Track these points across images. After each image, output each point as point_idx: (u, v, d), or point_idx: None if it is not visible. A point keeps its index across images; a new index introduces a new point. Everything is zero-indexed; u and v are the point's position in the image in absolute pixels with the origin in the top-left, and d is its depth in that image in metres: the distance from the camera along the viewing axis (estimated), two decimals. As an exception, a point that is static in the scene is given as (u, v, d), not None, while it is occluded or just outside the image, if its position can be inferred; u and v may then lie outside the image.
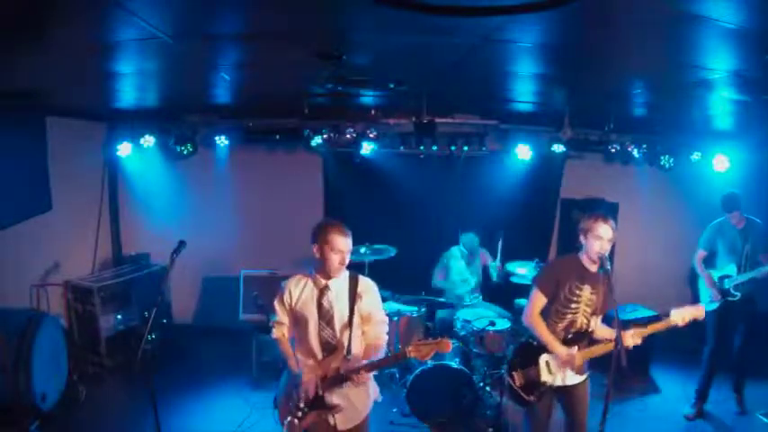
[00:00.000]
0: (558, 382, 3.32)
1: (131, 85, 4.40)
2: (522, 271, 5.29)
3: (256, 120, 5.97)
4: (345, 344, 2.90)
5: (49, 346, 4.39)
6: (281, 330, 3.05)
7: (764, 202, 6.26)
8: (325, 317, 2.91)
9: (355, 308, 2.92)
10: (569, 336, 3.30)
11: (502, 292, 5.92)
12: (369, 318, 2.99)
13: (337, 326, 2.92)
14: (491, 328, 4.89)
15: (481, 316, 5.14)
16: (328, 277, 2.90)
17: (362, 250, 5.38)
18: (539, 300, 3.32)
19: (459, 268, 5.83)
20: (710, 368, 4.75)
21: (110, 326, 5.66)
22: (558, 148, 6.05)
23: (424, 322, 5.49)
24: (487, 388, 4.90)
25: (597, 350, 3.25)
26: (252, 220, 6.67)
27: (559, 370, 3.30)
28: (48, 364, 4.33)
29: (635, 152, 6.12)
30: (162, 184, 6.63)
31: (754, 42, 2.48)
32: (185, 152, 6.05)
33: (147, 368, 3.24)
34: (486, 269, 5.93)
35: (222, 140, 6.22)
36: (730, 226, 4.79)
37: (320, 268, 2.90)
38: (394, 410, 4.75)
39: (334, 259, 2.82)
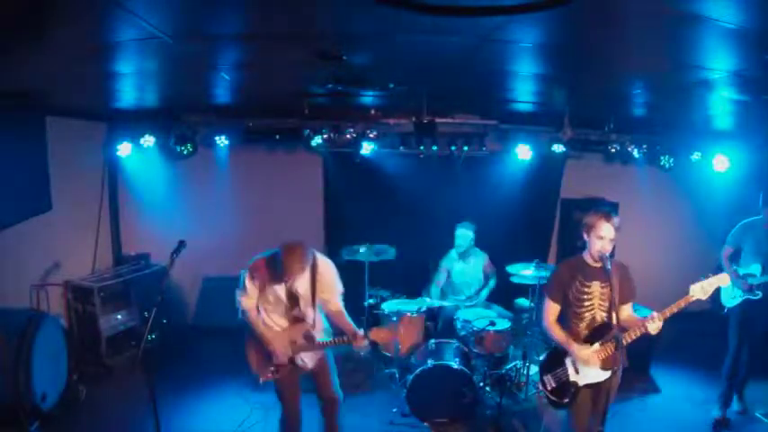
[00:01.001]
0: (587, 381, 3.33)
1: (131, 85, 4.40)
2: (525, 273, 5.28)
3: (256, 120, 5.97)
4: (310, 317, 3.55)
5: (49, 346, 4.39)
6: (251, 302, 3.53)
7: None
8: (292, 299, 3.51)
9: (316, 289, 3.52)
10: (594, 332, 3.30)
11: (502, 292, 5.92)
12: (330, 293, 3.58)
13: (302, 304, 3.53)
14: (491, 328, 4.89)
15: (481, 316, 5.15)
16: None
17: (362, 250, 5.38)
18: (551, 308, 3.39)
19: (459, 270, 5.82)
20: (732, 375, 4.65)
21: (110, 326, 5.66)
22: (558, 148, 6.06)
23: (425, 322, 5.49)
24: (487, 388, 4.90)
25: (610, 347, 3.22)
26: (252, 219, 6.67)
27: (585, 369, 3.31)
28: (48, 364, 4.33)
29: (635, 152, 6.13)
30: (162, 184, 6.63)
31: (754, 42, 2.48)
32: (185, 152, 6.05)
33: (147, 368, 3.24)
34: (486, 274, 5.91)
35: (222, 140, 6.22)
36: (761, 226, 4.61)
37: None
38: (394, 410, 4.75)
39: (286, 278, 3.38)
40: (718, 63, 3.07)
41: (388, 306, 5.45)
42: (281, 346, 3.50)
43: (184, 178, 6.61)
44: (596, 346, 3.25)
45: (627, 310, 3.37)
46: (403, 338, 5.19)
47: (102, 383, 5.27)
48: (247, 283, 3.49)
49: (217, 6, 2.33)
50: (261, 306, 3.56)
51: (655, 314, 3.13)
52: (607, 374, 3.29)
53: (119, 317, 5.77)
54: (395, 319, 5.20)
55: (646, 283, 6.29)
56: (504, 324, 5.02)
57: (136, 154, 6.23)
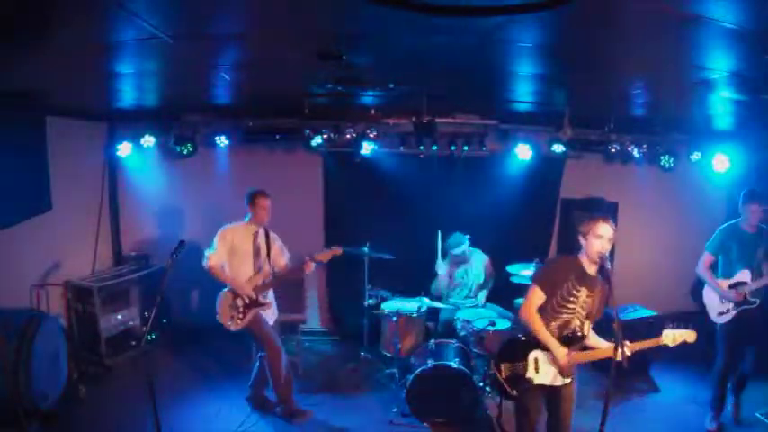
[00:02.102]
0: (542, 381, 3.34)
1: (131, 85, 4.41)
2: (525, 273, 5.28)
3: (256, 120, 5.97)
4: (268, 267, 4.62)
5: (49, 346, 4.38)
6: (219, 260, 4.43)
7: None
8: (256, 252, 4.58)
9: (271, 248, 4.64)
10: (563, 336, 3.32)
11: (502, 292, 5.92)
12: (280, 254, 4.73)
13: (262, 257, 4.60)
14: (491, 328, 4.89)
15: (481, 316, 5.15)
16: (258, 226, 4.58)
17: (363, 250, 5.38)
18: (536, 297, 3.32)
19: (460, 273, 5.81)
20: (723, 383, 4.50)
21: (110, 326, 5.66)
22: (558, 148, 6.05)
23: (425, 322, 5.49)
24: (487, 388, 4.90)
25: (588, 356, 3.31)
26: (252, 220, 6.66)
27: (546, 369, 3.33)
28: (48, 364, 4.32)
29: (635, 152, 6.12)
30: (162, 184, 6.63)
31: (754, 42, 2.48)
32: (185, 152, 6.05)
33: (147, 368, 3.24)
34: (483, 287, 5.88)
35: (222, 140, 6.22)
36: (742, 230, 4.41)
37: (253, 220, 4.54)
38: (394, 410, 4.75)
39: (262, 215, 4.53)
40: (718, 63, 3.07)
41: (388, 306, 5.45)
42: (247, 285, 4.46)
43: (184, 178, 6.61)
44: (569, 351, 3.27)
45: (589, 327, 3.37)
46: (402, 338, 5.19)
47: (102, 383, 5.27)
48: (218, 243, 4.42)
49: (217, 6, 2.33)
50: (228, 264, 4.48)
51: (627, 343, 3.11)
52: (565, 381, 3.33)
53: (119, 317, 5.77)
54: (395, 319, 5.20)
55: (645, 283, 6.37)
56: (504, 324, 5.02)
57: (136, 154, 6.24)
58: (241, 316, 4.44)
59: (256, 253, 4.58)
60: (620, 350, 3.02)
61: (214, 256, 4.42)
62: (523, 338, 3.44)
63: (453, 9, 2.07)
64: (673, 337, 3.26)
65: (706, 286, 4.59)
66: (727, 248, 4.46)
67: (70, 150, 5.69)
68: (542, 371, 3.33)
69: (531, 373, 3.35)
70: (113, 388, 5.23)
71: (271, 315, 4.71)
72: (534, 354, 3.35)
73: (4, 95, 4.15)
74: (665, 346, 3.28)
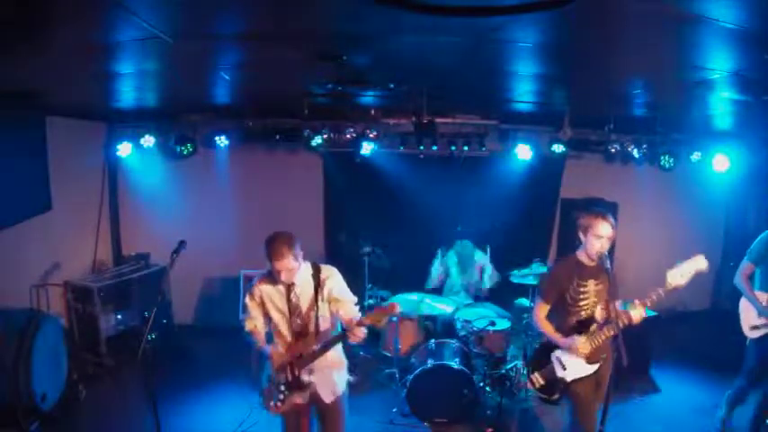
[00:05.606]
0: (574, 375, 3.34)
1: (131, 85, 4.40)
2: (522, 272, 5.29)
3: (256, 120, 5.98)
4: (313, 327, 3.21)
5: (49, 346, 4.39)
6: (253, 323, 3.30)
7: (765, 203, 6.27)
8: (294, 310, 3.20)
9: (319, 295, 3.19)
10: (577, 323, 3.32)
11: (502, 292, 5.92)
12: (339, 300, 3.22)
13: (305, 314, 3.20)
14: (491, 328, 4.89)
15: (481, 316, 5.15)
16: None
17: (363, 250, 5.38)
18: (542, 308, 3.41)
19: (455, 275, 5.82)
20: (736, 403, 4.18)
21: (110, 326, 5.65)
22: (558, 148, 6.06)
23: (424, 322, 5.49)
24: (487, 388, 4.90)
25: (599, 337, 3.25)
26: (252, 219, 6.66)
27: (572, 363, 3.33)
28: (48, 364, 4.32)
29: (635, 152, 6.13)
30: (162, 184, 6.63)
31: (754, 42, 2.49)
32: (185, 152, 6.06)
33: (147, 368, 3.24)
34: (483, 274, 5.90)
35: (222, 140, 6.23)
36: None
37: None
38: (394, 410, 4.75)
39: (278, 275, 3.09)
40: (719, 63, 3.07)
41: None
42: (283, 358, 3.20)
43: (184, 178, 6.62)
44: (582, 338, 3.27)
45: (616, 306, 3.34)
46: (402, 338, 5.19)
47: (102, 383, 5.26)
48: (248, 301, 3.27)
49: (217, 6, 2.33)
50: (272, 331, 3.30)
51: (636, 301, 3.16)
52: (594, 367, 3.32)
53: (119, 317, 5.76)
54: (394, 318, 5.20)
55: (645, 283, 6.31)
56: (504, 324, 5.02)
57: (136, 154, 6.25)
58: (281, 398, 3.19)
59: (294, 311, 3.19)
60: (621, 348, 3.02)
61: (249, 321, 3.31)
62: (544, 344, 3.50)
63: (453, 9, 2.07)
64: (680, 273, 3.06)
65: (743, 297, 4.11)
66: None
67: (70, 150, 5.69)
68: (569, 365, 3.35)
69: (560, 372, 3.37)
70: (113, 388, 5.23)
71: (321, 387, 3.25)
72: (556, 353, 3.39)
73: (4, 95, 4.14)
74: (678, 288, 3.07)
